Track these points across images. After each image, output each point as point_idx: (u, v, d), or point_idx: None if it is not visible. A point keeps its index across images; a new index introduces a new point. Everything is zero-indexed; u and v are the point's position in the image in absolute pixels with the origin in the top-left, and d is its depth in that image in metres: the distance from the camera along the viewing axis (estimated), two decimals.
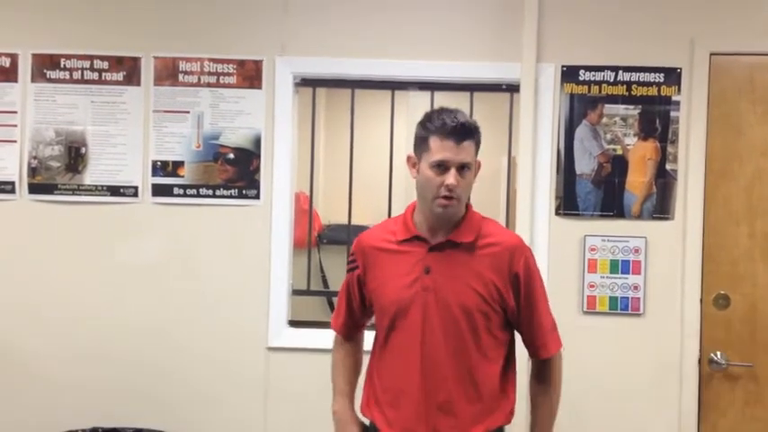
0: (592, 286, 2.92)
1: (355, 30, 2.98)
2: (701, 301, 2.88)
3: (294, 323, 3.04)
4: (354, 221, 3.14)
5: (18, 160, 2.99)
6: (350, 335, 2.21)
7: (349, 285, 2.13)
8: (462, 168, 1.91)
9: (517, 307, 2.00)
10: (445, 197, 1.91)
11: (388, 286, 2.01)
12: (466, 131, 1.92)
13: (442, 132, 1.91)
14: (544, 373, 2.08)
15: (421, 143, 1.96)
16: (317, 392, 2.92)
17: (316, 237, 3.95)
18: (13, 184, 2.99)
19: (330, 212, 4.24)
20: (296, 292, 3.11)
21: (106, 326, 2.98)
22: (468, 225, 1.99)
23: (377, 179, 3.21)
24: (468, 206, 2.03)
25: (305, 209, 3.32)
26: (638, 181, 2.92)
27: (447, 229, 1.98)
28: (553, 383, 2.07)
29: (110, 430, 2.85)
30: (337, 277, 3.84)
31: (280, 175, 2.99)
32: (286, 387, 2.97)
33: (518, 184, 2.93)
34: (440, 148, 1.91)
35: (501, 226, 2.14)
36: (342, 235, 4.10)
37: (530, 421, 2.10)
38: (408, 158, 2.02)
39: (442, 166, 1.91)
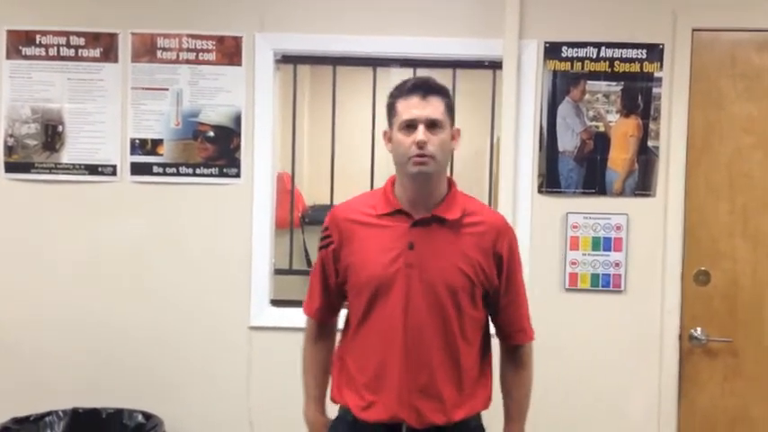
0: (574, 263, 2.92)
1: (336, 5, 2.94)
2: (682, 277, 2.90)
3: (276, 302, 3.02)
4: (338, 201, 3.12)
5: None
6: (325, 320, 2.10)
7: (324, 263, 2.03)
8: (433, 126, 1.85)
9: (498, 289, 1.96)
10: (418, 156, 1.84)
11: (368, 262, 1.91)
12: (431, 88, 1.88)
13: (405, 92, 1.88)
14: (521, 359, 2.05)
15: (390, 112, 1.93)
16: (299, 371, 2.94)
17: (299, 217, 3.92)
18: None
19: (314, 193, 4.21)
20: (278, 272, 3.09)
21: (85, 304, 2.95)
22: (452, 202, 1.93)
23: (361, 158, 3.18)
24: (451, 183, 1.98)
25: (288, 189, 3.29)
26: (620, 158, 2.91)
27: (429, 205, 1.91)
28: (529, 369, 2.06)
29: (90, 410, 2.83)
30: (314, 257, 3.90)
31: (261, 153, 2.95)
32: (268, 366, 2.96)
33: (501, 161, 2.92)
34: (405, 108, 1.87)
35: (485, 205, 2.09)
36: (322, 216, 4.09)
37: (504, 407, 2.06)
38: (384, 134, 1.97)
39: (411, 126, 1.86)
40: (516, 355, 2.05)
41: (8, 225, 2.96)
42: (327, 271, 2.03)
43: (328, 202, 3.13)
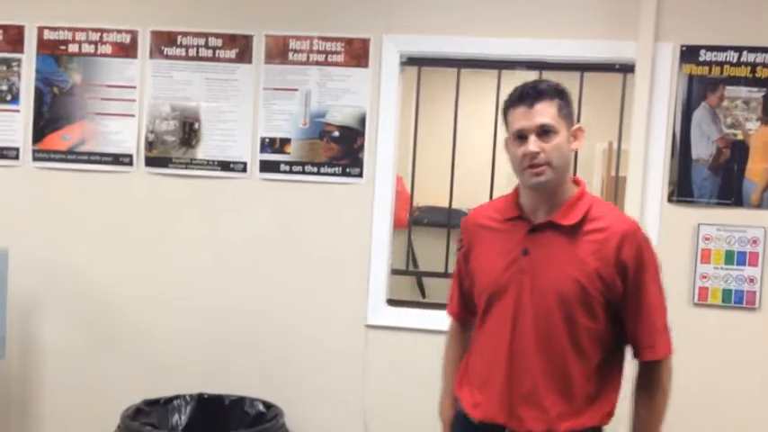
0: (704, 277, 2.79)
1: (463, 7, 2.93)
2: None
3: (392, 302, 3.05)
4: (455, 204, 3.12)
5: (136, 134, 3.13)
6: (465, 320, 2.09)
7: (458, 266, 2.06)
8: (545, 133, 1.78)
9: (624, 301, 1.83)
10: (531, 166, 1.79)
11: (488, 266, 1.91)
12: (538, 93, 1.80)
13: (514, 101, 1.83)
14: (649, 378, 1.87)
15: (504, 120, 1.89)
16: (414, 371, 2.96)
17: (408, 218, 3.94)
18: (131, 156, 3.13)
19: (422, 194, 4.20)
20: (393, 272, 3.13)
21: (213, 294, 3.09)
22: (573, 206, 1.84)
23: (475, 161, 3.16)
24: (579, 185, 1.89)
25: (399, 189, 3.31)
26: (759, 168, 2.75)
27: (549, 209, 1.85)
28: (659, 391, 1.87)
29: (214, 396, 2.96)
30: (427, 259, 3.83)
31: (383, 154, 2.99)
32: (383, 364, 3.00)
33: (629, 168, 2.82)
34: (515, 117, 1.82)
35: (616, 210, 1.95)
36: (433, 217, 4.08)
37: (631, 423, 1.92)
38: (504, 142, 1.92)
39: (522, 136, 1.81)
40: (647, 374, 1.88)
41: (146, 216, 3.13)
42: (461, 274, 2.06)
43: (436, 204, 3.12)
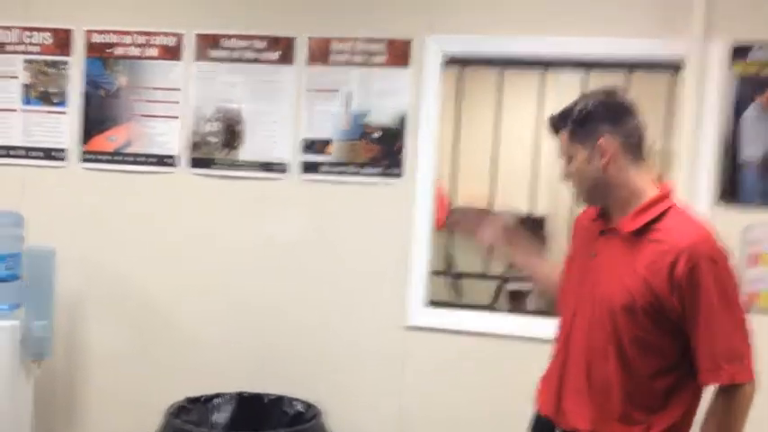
0: (754, 281, 2.70)
1: (506, 6, 2.90)
2: None
3: (432, 303, 3.03)
4: (482, 206, 3.06)
5: (180, 135, 3.16)
6: None
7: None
8: (568, 160, 1.89)
9: (683, 320, 1.75)
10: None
11: (569, 265, 2.02)
12: (554, 123, 1.91)
13: None
14: (714, 404, 1.78)
15: None
16: (454, 372, 2.94)
17: (443, 219, 3.91)
18: (174, 157, 3.17)
19: (461, 195, 4.16)
20: (432, 273, 3.09)
21: (253, 293, 3.10)
22: (643, 212, 1.80)
23: (514, 163, 3.12)
24: (660, 191, 1.84)
25: (437, 191, 3.28)
26: None
27: (620, 214, 1.85)
28: (725, 419, 1.75)
29: (253, 395, 2.97)
30: (464, 260, 3.80)
31: (424, 154, 2.98)
32: (423, 366, 2.97)
33: (677, 169, 2.76)
34: None
35: (692, 222, 1.82)
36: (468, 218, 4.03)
37: None
38: None
39: None
40: (715, 399, 1.78)
41: (189, 216, 3.17)
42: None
43: (471, 205, 3.07)
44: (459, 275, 3.80)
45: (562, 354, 1.92)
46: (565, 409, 1.88)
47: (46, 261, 2.93)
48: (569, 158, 1.87)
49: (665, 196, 1.84)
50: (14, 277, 2.90)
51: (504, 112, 3.14)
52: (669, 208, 1.81)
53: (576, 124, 1.85)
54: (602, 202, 1.89)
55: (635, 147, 1.84)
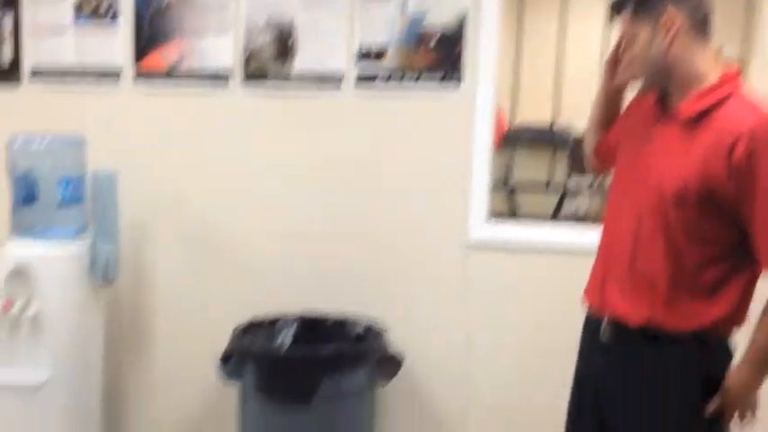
0: None
1: None
2: None
3: (494, 218, 2.90)
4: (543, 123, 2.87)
5: (232, 50, 3.05)
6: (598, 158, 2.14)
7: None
8: (630, 42, 1.81)
9: (738, 207, 1.70)
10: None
11: (621, 152, 1.94)
12: (614, 6, 1.84)
13: None
14: None
15: None
16: (517, 289, 2.84)
17: (501, 137, 3.73)
18: (228, 73, 3.06)
19: (521, 111, 3.93)
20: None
21: (311, 216, 3.04)
22: (702, 97, 1.74)
23: (579, 76, 2.88)
24: (723, 75, 1.76)
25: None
26: None
27: (678, 98, 1.78)
28: None
29: (316, 317, 2.95)
30: (523, 176, 3.61)
31: (484, 60, 2.78)
32: (485, 283, 2.88)
33: (752, 79, 2.48)
34: None
35: (754, 106, 1.75)
36: (526, 135, 3.83)
37: None
38: None
39: None
40: None
41: (244, 133, 3.09)
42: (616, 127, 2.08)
43: (530, 122, 2.89)
44: (513, 191, 3.64)
45: (608, 244, 1.90)
46: (608, 297, 1.86)
47: (109, 184, 2.92)
48: (632, 39, 1.79)
49: (728, 80, 1.74)
50: (79, 201, 2.92)
51: (572, 18, 2.87)
52: (731, 93, 1.74)
53: (637, 1, 1.79)
54: (662, 85, 1.81)
55: (700, 24, 1.76)
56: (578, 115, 2.03)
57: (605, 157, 2.09)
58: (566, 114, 2.87)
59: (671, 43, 1.74)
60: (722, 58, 1.96)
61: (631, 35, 1.79)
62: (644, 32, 1.76)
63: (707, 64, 1.76)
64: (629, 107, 2.01)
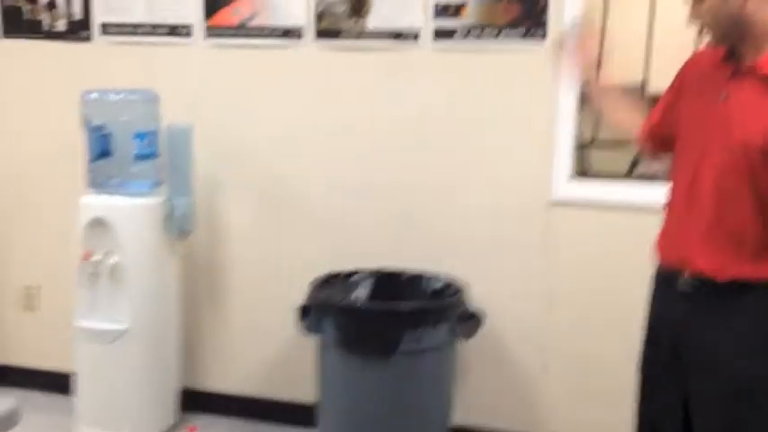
0: None
1: None
2: None
3: (580, 175, 2.85)
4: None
5: (305, 5, 3.01)
6: (654, 143, 2.06)
7: (667, 95, 2.01)
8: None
9: None
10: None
11: (690, 109, 1.88)
12: None
13: None
14: None
15: None
16: (603, 249, 2.80)
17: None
18: (300, 29, 3.03)
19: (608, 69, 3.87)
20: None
21: (388, 173, 3.01)
22: None
23: (668, 35, 2.81)
24: None
25: None
26: None
27: (755, 53, 1.73)
28: None
29: (393, 272, 2.93)
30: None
31: (570, 12, 2.72)
32: (569, 242, 2.84)
33: None
34: None
35: None
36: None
37: None
38: None
39: None
40: None
41: (318, 90, 3.06)
42: (666, 105, 2.03)
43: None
44: (613, 144, 3.57)
45: (685, 201, 1.84)
46: (691, 254, 1.82)
47: (184, 138, 2.92)
48: None
49: None
50: (154, 155, 2.92)
51: None
52: None
53: None
54: (736, 41, 1.75)
55: None
56: (669, 75, 1.99)
57: (661, 143, 2.03)
58: (657, 74, 2.81)
59: (746, 0, 1.69)
60: None
61: None
62: None
63: None
64: (684, 69, 1.97)
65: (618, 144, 2.83)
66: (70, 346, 2.94)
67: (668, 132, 1.95)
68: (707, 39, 1.82)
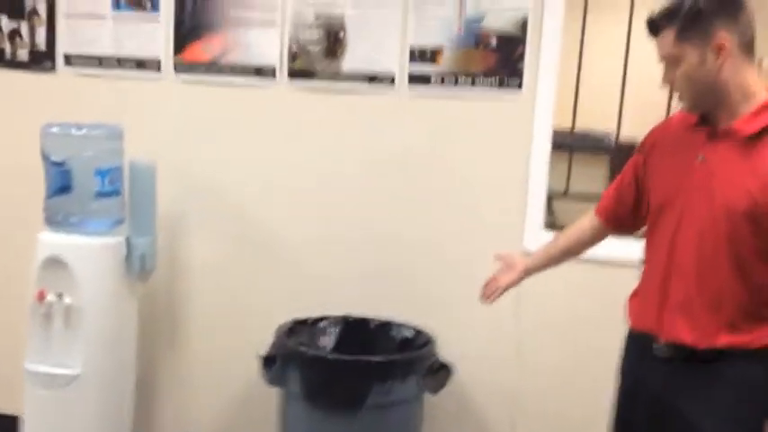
0: None
1: None
2: None
3: (551, 227, 2.82)
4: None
5: (279, 44, 2.96)
6: (609, 221, 2.10)
7: (629, 168, 2.02)
8: (671, 63, 1.74)
9: None
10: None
11: (663, 174, 1.87)
12: (656, 22, 1.74)
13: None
14: None
15: None
16: (573, 302, 2.76)
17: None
18: (274, 68, 2.98)
19: (581, 117, 3.88)
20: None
21: (357, 218, 2.95)
22: (758, 114, 1.70)
23: (643, 84, 2.84)
24: None
25: None
26: None
27: (729, 117, 1.73)
28: None
29: (360, 319, 2.86)
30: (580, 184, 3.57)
31: (546, 64, 2.72)
32: (540, 293, 2.79)
33: None
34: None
35: None
36: (588, 142, 3.78)
37: None
38: None
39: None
40: None
41: (291, 130, 2.99)
42: (625, 180, 2.05)
43: (601, 128, 2.82)
44: (583, 198, 3.58)
45: (663, 265, 1.81)
46: (667, 321, 1.80)
47: (147, 175, 2.82)
48: (674, 61, 1.73)
49: None
50: (116, 192, 2.81)
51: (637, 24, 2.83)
52: None
53: (687, 21, 1.70)
54: (710, 106, 1.76)
55: (748, 44, 1.72)
56: (642, 124, 1.99)
57: (633, 223, 2.06)
58: (629, 122, 2.81)
59: (722, 66, 1.70)
60: (763, 72, 1.93)
61: (674, 57, 1.73)
62: (690, 56, 1.71)
63: (755, 82, 1.74)
64: (655, 135, 1.97)
65: (589, 197, 2.82)
66: (19, 389, 2.79)
67: (623, 212, 2.01)
68: (680, 104, 1.82)
